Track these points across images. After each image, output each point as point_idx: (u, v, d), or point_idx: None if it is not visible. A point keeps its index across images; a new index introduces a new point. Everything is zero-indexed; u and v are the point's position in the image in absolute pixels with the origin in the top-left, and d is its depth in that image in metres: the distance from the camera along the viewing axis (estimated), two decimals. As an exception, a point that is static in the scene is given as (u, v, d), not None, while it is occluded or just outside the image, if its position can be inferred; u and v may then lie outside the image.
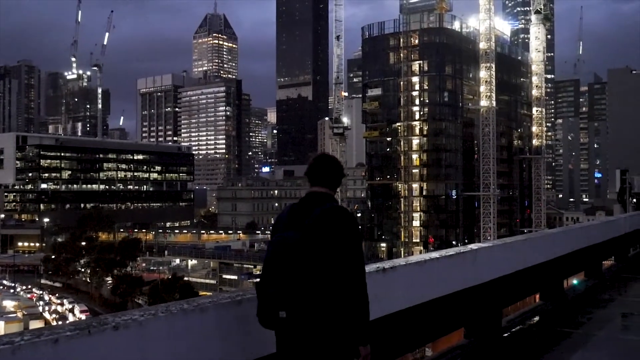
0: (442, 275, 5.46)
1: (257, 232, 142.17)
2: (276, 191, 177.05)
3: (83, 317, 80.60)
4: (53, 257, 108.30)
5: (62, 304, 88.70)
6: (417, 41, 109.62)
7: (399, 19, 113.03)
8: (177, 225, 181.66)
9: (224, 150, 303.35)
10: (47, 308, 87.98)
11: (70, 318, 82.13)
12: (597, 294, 10.35)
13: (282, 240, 3.26)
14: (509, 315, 7.84)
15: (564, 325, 7.94)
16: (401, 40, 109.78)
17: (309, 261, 3.17)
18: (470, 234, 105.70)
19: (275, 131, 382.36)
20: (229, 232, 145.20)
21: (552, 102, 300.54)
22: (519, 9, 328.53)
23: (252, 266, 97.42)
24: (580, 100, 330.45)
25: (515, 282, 7.07)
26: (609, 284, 11.45)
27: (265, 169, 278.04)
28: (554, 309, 8.63)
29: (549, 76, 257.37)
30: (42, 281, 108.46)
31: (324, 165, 3.57)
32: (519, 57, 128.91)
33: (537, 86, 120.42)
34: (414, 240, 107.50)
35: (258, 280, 3.37)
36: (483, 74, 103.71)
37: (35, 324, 75.72)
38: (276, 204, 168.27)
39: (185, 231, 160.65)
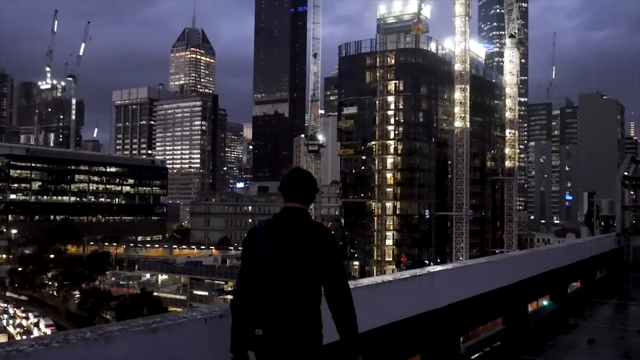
0: (395, 299, 5.15)
1: (230, 247, 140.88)
2: (250, 207, 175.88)
3: (48, 331, 79.05)
4: (19, 269, 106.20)
5: (27, 318, 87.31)
6: (393, 61, 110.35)
7: (376, 38, 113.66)
8: (149, 239, 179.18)
9: (198, 165, 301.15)
10: (11, 322, 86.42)
11: (35, 332, 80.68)
12: (561, 318, 10.11)
13: (260, 256, 3.18)
14: (469, 341, 7.56)
15: (525, 352, 7.68)
16: (377, 59, 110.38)
17: (289, 278, 3.12)
18: (443, 253, 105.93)
19: (250, 147, 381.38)
20: (202, 247, 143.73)
21: (525, 124, 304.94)
22: (494, 32, 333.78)
23: (224, 282, 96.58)
24: (553, 123, 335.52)
25: (475, 306, 6.78)
26: (575, 308, 11.26)
27: (240, 185, 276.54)
28: (516, 334, 8.34)
29: (522, 99, 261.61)
30: (8, 294, 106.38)
31: (298, 181, 3.56)
32: (494, 80, 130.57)
33: (510, 109, 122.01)
34: (387, 259, 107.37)
35: (232, 297, 3.30)
36: (458, 95, 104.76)
37: (-2, 339, 74.09)
38: (250, 220, 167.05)
39: (157, 245, 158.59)
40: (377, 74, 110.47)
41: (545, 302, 11.46)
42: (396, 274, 5.61)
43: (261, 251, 3.20)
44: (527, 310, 9.44)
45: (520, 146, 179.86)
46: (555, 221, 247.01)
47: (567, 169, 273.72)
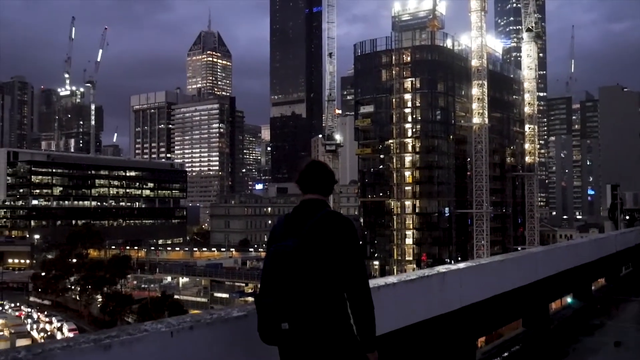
0: (401, 303, 4.69)
1: (250, 249, 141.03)
2: (269, 208, 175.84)
3: (72, 335, 79.32)
4: (42, 274, 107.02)
5: (50, 322, 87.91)
6: (409, 58, 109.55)
7: (391, 36, 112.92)
8: (170, 242, 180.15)
9: (217, 167, 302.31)
10: (35, 326, 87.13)
11: (59, 337, 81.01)
12: (585, 318, 9.53)
13: (280, 249, 3.16)
14: (486, 346, 7.06)
15: (547, 356, 7.16)
16: (393, 57, 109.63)
17: (310, 269, 3.10)
18: (464, 251, 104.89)
19: (269, 148, 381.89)
20: (222, 249, 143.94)
21: (545, 119, 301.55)
22: (511, 27, 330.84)
23: (244, 284, 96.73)
24: (573, 117, 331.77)
25: (491, 308, 6.27)
26: (600, 306, 10.68)
27: (259, 186, 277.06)
28: (537, 337, 7.78)
29: (541, 94, 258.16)
30: (31, 299, 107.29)
31: (316, 172, 3.50)
32: (511, 75, 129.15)
33: (529, 103, 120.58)
34: (407, 258, 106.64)
35: (257, 293, 3.26)
36: (475, 91, 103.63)
37: (22, 343, 74.66)
38: (269, 221, 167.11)
39: (178, 248, 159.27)
40: (393, 72, 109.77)
41: (569, 300, 10.92)
42: (401, 275, 5.16)
43: (281, 244, 3.18)
44: (548, 310, 8.86)
45: (540, 141, 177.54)
46: (578, 217, 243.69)
47: (588, 163, 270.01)
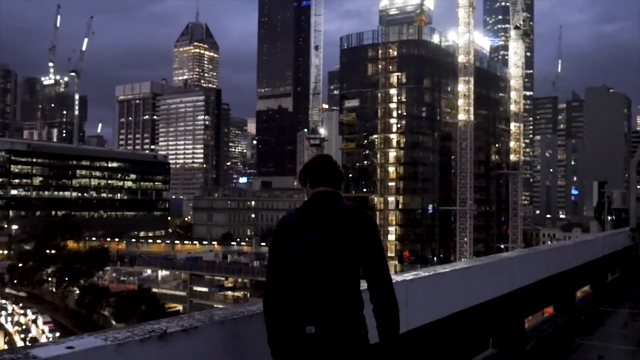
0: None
1: (233, 243, 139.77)
2: (253, 202, 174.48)
3: (46, 328, 78.25)
4: (19, 265, 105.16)
5: (25, 315, 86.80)
6: (395, 53, 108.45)
7: (378, 30, 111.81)
8: (152, 234, 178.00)
9: (201, 160, 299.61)
10: (9, 319, 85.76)
11: (33, 329, 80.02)
12: (567, 336, 8.25)
13: (304, 244, 2.88)
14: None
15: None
16: (380, 51, 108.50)
17: (338, 264, 2.88)
18: (447, 249, 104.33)
19: (254, 142, 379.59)
20: (204, 242, 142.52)
21: (531, 118, 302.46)
22: (499, 26, 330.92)
23: (224, 278, 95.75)
24: (559, 117, 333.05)
25: (450, 329, 5.00)
26: (584, 318, 9.44)
27: (243, 180, 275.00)
28: None
29: (528, 93, 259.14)
30: (7, 290, 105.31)
31: (327, 164, 3.29)
32: (498, 73, 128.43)
33: (515, 102, 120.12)
34: (390, 255, 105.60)
35: (266, 294, 3.03)
36: (461, 87, 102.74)
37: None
38: (253, 215, 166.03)
39: (159, 241, 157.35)
40: (379, 66, 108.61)
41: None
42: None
43: (303, 239, 2.89)
44: (524, 326, 7.54)
45: (526, 140, 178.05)
46: (561, 216, 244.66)
47: (573, 163, 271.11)
